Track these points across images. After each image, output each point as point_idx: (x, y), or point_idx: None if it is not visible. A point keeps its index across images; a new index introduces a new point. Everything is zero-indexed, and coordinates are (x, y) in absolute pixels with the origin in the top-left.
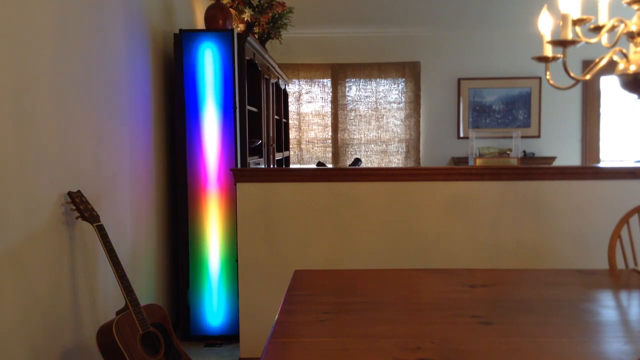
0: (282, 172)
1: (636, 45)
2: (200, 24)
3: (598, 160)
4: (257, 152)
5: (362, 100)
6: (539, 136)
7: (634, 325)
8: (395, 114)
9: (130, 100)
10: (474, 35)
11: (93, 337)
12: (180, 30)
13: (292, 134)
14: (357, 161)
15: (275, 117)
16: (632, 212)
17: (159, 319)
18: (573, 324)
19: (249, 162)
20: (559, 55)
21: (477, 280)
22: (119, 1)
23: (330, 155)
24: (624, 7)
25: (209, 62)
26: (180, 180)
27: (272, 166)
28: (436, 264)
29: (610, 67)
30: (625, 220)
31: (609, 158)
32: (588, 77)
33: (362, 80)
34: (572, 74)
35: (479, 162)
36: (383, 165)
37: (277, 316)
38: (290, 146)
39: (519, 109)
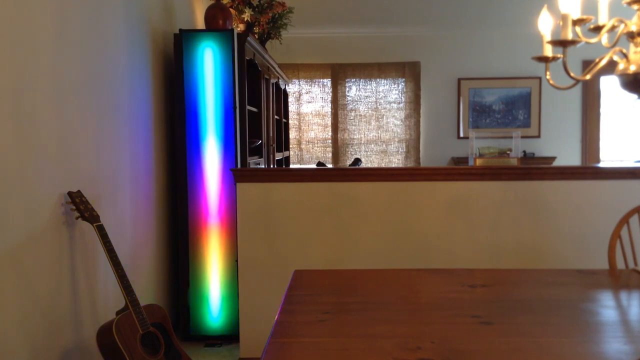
0: (282, 172)
1: (636, 45)
2: (200, 24)
3: (598, 160)
4: (257, 152)
5: (362, 100)
6: (539, 136)
7: (634, 325)
8: (395, 114)
9: (130, 100)
10: (474, 35)
11: (93, 337)
12: (180, 30)
13: (292, 134)
14: (357, 161)
15: (275, 117)
16: (632, 212)
17: (159, 319)
18: (573, 324)
19: (249, 162)
20: (559, 55)
21: (477, 280)
22: (119, 1)
23: (330, 155)
24: (624, 7)
25: (209, 62)
26: (180, 180)
27: (272, 166)
28: (436, 264)
29: (610, 67)
30: (625, 220)
31: (609, 158)
32: (588, 77)
33: (362, 80)
34: (572, 74)
35: (479, 162)
36: (383, 165)
37: (277, 316)
38: (290, 146)
39: (519, 109)
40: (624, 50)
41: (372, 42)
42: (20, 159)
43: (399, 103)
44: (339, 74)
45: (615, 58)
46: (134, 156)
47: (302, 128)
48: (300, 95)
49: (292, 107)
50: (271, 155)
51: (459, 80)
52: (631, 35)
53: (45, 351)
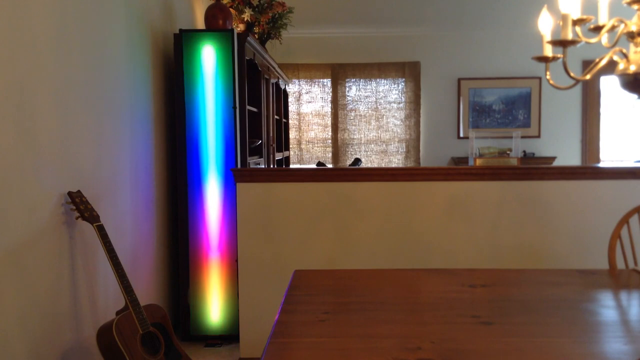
0: (282, 172)
1: (636, 45)
2: (200, 24)
3: (598, 160)
4: (257, 152)
5: (362, 100)
6: (539, 136)
7: (634, 325)
8: (395, 114)
9: (131, 100)
10: (474, 35)
11: (93, 337)
12: (180, 30)
13: (292, 134)
14: (357, 161)
15: (275, 117)
16: (632, 212)
17: (159, 319)
18: (573, 324)
19: (249, 162)
20: (559, 55)
21: (477, 280)
22: (119, 1)
23: (330, 155)
24: (624, 7)
25: (209, 62)
26: (180, 180)
27: (272, 166)
28: (436, 264)
29: (610, 67)
30: (625, 220)
31: (609, 158)
32: (588, 77)
33: (362, 80)
34: (572, 74)
35: (479, 162)
36: (383, 165)
37: (277, 316)
38: (290, 146)
39: (519, 109)
40: (624, 50)
41: (372, 42)
42: (20, 159)
43: (399, 103)
44: (339, 74)
45: (615, 58)
46: (134, 156)
47: (302, 128)
48: (300, 95)
49: (292, 107)
50: (271, 155)
51: (459, 80)
52: (631, 35)
53: (45, 351)
